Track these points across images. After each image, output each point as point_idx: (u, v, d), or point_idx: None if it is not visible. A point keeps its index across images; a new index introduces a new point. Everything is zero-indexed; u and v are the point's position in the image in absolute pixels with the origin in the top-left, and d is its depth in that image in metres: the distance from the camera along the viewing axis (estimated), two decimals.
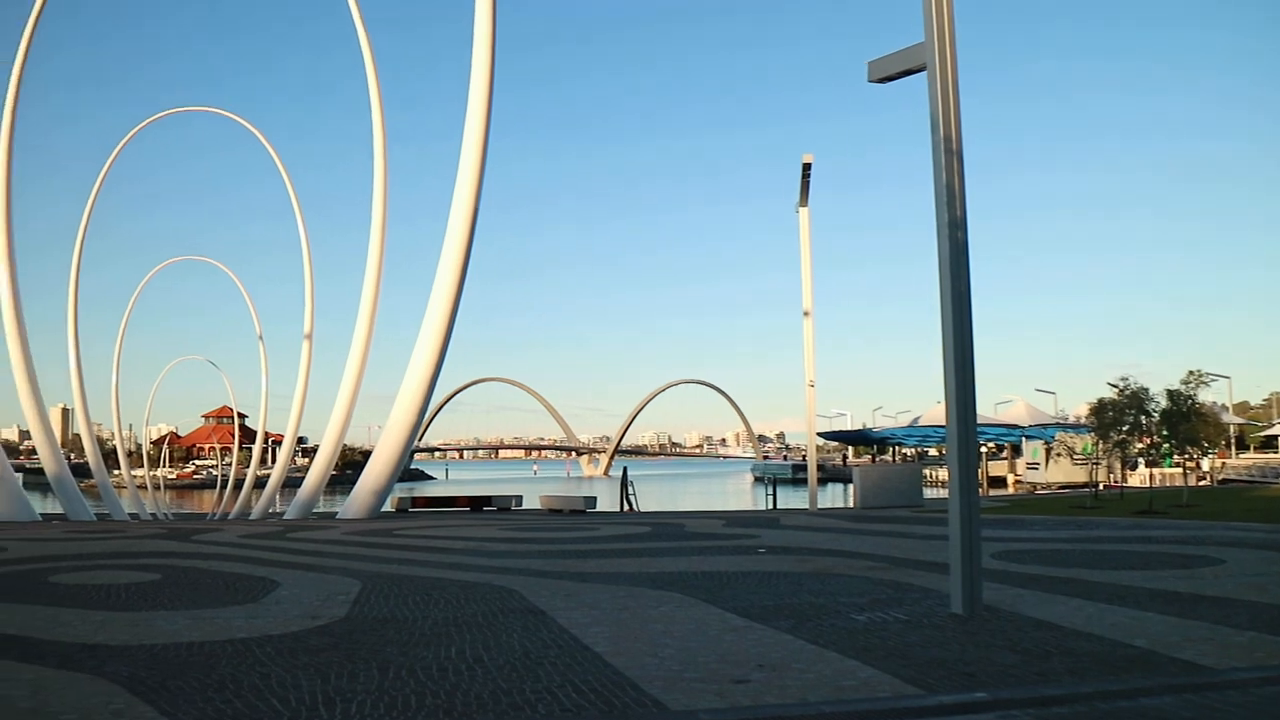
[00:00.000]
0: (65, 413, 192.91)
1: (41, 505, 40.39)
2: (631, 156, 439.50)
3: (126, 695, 8.12)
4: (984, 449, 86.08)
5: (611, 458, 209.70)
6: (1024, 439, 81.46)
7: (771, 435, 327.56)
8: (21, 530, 29.23)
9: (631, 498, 41.08)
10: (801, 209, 36.68)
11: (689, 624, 11.30)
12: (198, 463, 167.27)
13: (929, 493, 43.56)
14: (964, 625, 10.94)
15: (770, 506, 41.26)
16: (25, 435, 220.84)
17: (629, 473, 43.25)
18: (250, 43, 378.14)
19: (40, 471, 46.69)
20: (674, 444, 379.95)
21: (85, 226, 50.34)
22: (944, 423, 12.18)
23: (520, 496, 40.55)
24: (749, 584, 14.74)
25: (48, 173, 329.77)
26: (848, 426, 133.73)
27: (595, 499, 39.61)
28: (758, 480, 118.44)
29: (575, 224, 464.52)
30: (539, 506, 38.86)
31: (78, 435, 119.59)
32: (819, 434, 49.48)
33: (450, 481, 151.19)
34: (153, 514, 54.96)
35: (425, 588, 14.55)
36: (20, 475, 42.00)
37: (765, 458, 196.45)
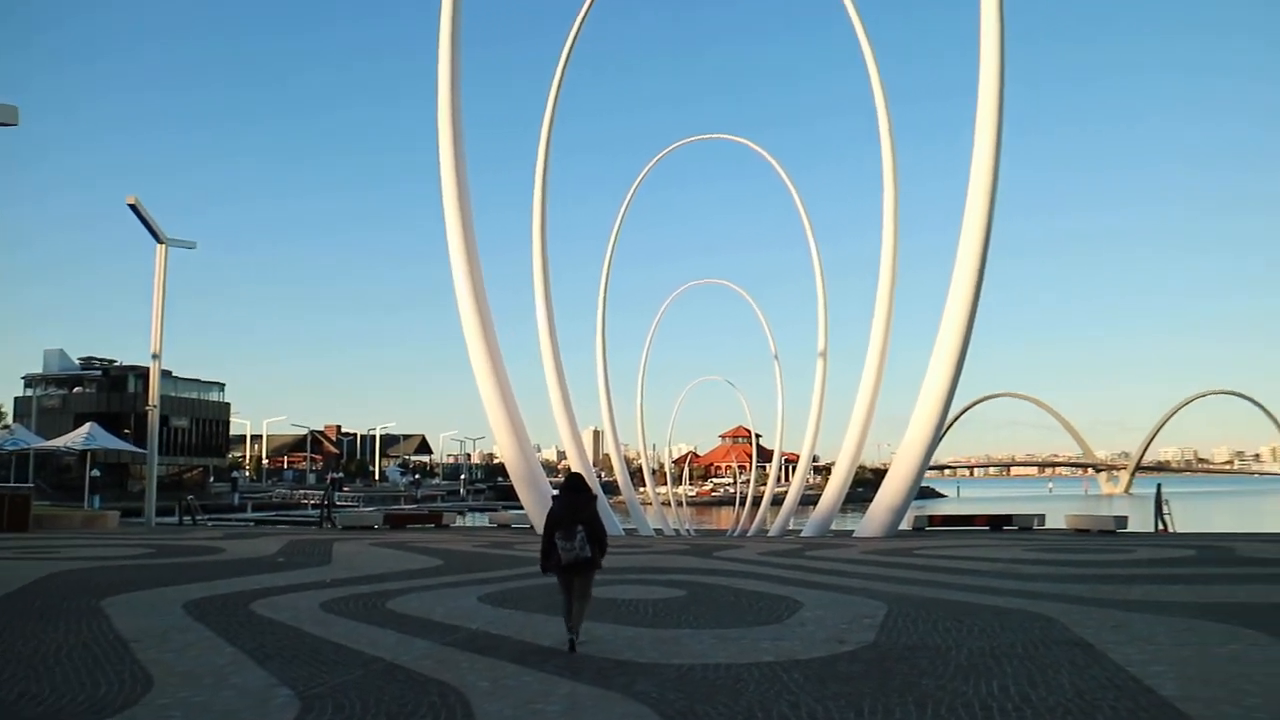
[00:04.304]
0: (595, 435, 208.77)
1: None
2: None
3: (655, 718, 7.86)
4: None
5: (1133, 474, 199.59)
6: None
7: None
8: None
9: (1166, 517, 37.76)
10: None
11: (1271, 667, 9.62)
12: (715, 480, 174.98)
13: None
14: None
15: None
16: (561, 455, 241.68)
17: (1162, 490, 39.79)
18: (759, 67, 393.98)
19: None
20: (1200, 459, 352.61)
21: (610, 255, 53.73)
22: None
23: (1043, 515, 38.33)
24: None
25: (570, 202, 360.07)
26: None
27: (1126, 518, 36.65)
28: None
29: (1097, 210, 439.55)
30: (1063, 525, 36.55)
31: (607, 455, 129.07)
32: None
33: (962, 499, 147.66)
34: (675, 530, 57.51)
35: (955, 613, 13.53)
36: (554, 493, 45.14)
37: None
